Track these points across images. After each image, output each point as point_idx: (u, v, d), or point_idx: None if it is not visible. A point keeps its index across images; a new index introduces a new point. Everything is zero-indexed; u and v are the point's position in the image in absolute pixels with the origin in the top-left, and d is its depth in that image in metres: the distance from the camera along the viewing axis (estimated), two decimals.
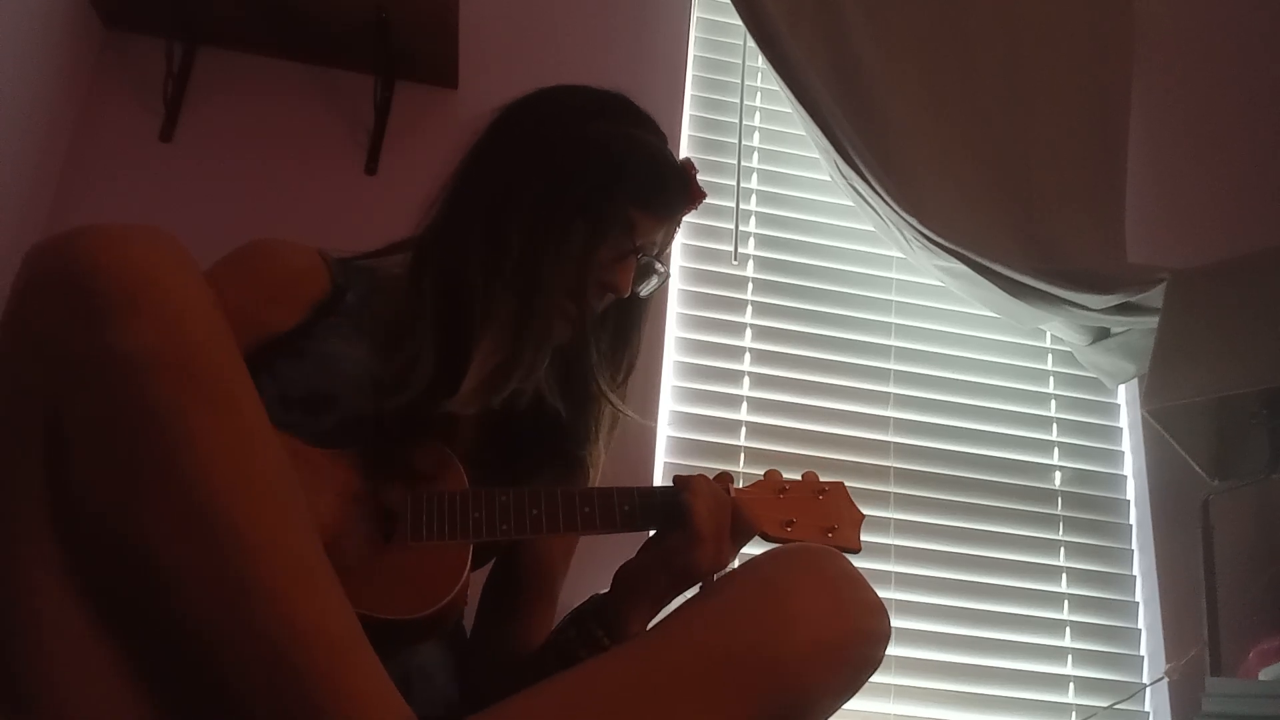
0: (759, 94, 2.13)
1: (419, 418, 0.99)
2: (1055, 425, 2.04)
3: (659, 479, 1.79)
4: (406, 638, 0.94)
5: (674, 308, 1.94)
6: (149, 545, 0.66)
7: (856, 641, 0.80)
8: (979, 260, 1.86)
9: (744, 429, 1.89)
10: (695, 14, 2.16)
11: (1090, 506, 1.98)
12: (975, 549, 1.89)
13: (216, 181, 1.80)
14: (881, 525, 1.87)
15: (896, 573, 1.84)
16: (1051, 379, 2.08)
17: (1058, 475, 2.00)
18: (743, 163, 2.04)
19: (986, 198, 1.95)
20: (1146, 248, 2.00)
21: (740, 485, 1.11)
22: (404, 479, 0.97)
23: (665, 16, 2.10)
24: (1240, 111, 2.25)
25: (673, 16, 2.11)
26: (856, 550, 1.10)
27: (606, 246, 1.08)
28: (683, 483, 1.02)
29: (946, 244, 1.85)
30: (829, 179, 2.06)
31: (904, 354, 2.01)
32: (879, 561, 1.84)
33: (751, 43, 1.96)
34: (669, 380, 1.89)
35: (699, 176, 1.18)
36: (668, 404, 1.87)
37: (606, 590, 1.06)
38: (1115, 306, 1.83)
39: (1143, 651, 1.89)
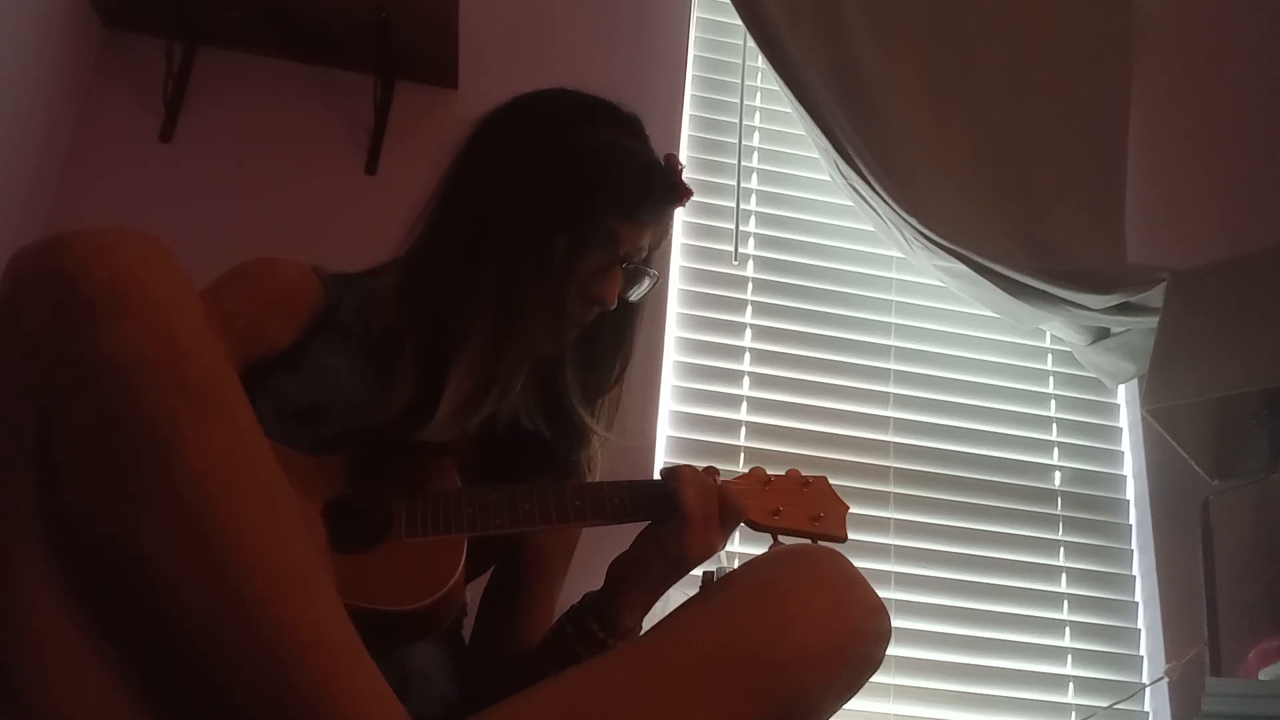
0: (759, 94, 2.13)
1: (400, 440, 0.99)
2: (1055, 425, 2.04)
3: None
4: (402, 632, 0.94)
5: (674, 308, 1.94)
6: (141, 550, 0.65)
7: (857, 642, 0.80)
8: (979, 260, 1.86)
9: (744, 429, 1.89)
10: (695, 14, 2.16)
11: (1090, 506, 1.98)
12: (975, 549, 1.89)
13: (216, 181, 1.80)
14: (881, 525, 1.87)
15: (896, 573, 1.84)
16: (1051, 379, 2.08)
17: (1058, 475, 2.00)
18: (743, 163, 2.04)
19: (986, 197, 1.95)
20: (1146, 248, 2.00)
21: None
22: (396, 481, 0.98)
23: (665, 16, 2.10)
24: (1240, 111, 2.25)
25: (673, 16, 2.11)
26: (843, 538, 1.12)
27: (589, 260, 1.07)
28: (670, 473, 1.03)
29: (946, 244, 1.85)
30: (829, 179, 2.06)
31: (904, 354, 2.01)
32: (879, 561, 1.84)
33: (751, 43, 1.96)
34: (669, 380, 1.89)
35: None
36: (668, 404, 1.87)
37: (601, 587, 1.07)
38: (1115, 306, 1.83)
39: (1142, 651, 1.89)
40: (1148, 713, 1.85)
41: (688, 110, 2.07)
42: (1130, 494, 2.01)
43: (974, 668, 1.81)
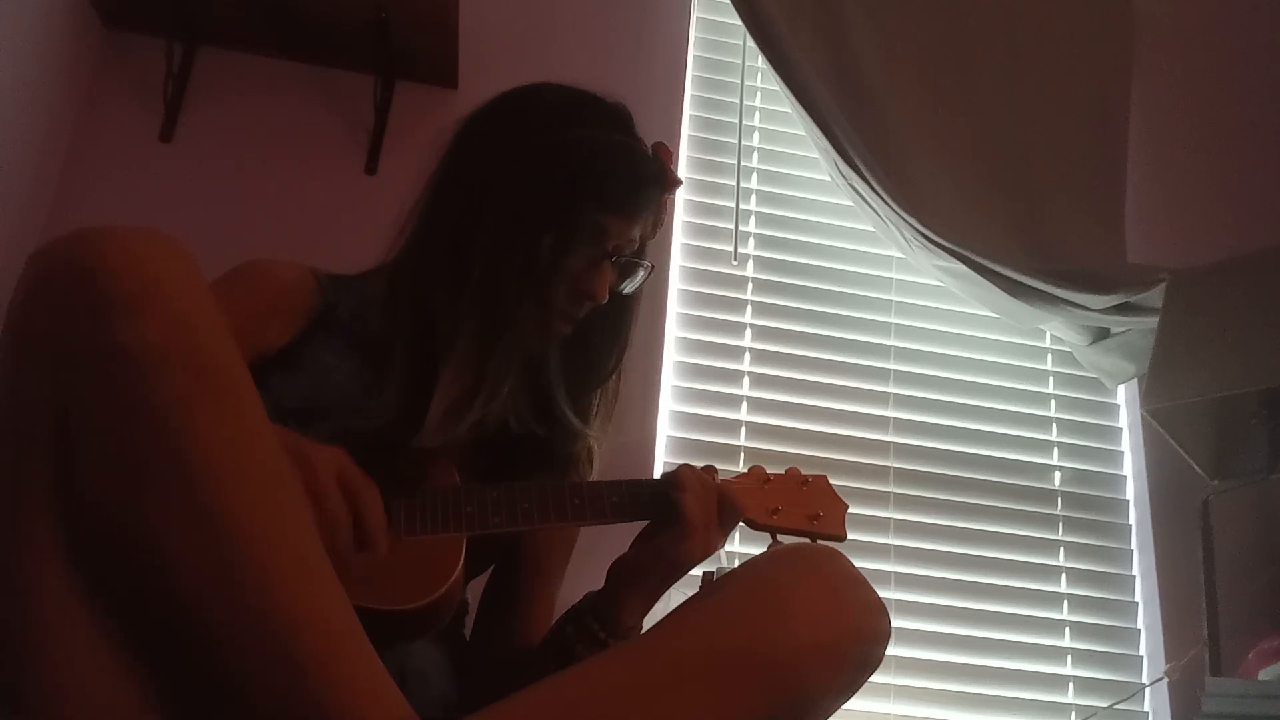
0: (759, 94, 2.13)
1: (393, 446, 0.99)
2: (1055, 425, 2.04)
3: None
4: (401, 631, 0.94)
5: (674, 308, 1.94)
6: (151, 538, 0.66)
7: (857, 641, 0.80)
8: (979, 260, 1.86)
9: (744, 429, 1.89)
10: (695, 14, 2.16)
11: (1090, 506, 1.98)
12: (975, 549, 1.89)
13: (216, 181, 1.80)
14: (881, 525, 1.87)
15: (896, 573, 1.84)
16: (1051, 379, 2.08)
17: (1057, 475, 2.00)
18: (743, 163, 2.04)
19: (986, 197, 1.95)
20: (1146, 248, 2.00)
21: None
22: (396, 479, 0.98)
23: (665, 16, 2.10)
24: (1240, 111, 2.25)
25: (673, 16, 2.11)
26: (843, 536, 1.12)
27: (577, 256, 1.07)
28: (670, 478, 1.04)
29: (946, 244, 1.85)
30: (829, 179, 2.06)
31: (904, 354, 2.01)
32: (879, 561, 1.84)
33: (751, 43, 1.96)
34: (669, 380, 1.89)
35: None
36: (668, 404, 1.87)
37: (601, 587, 1.07)
38: (1115, 306, 1.83)
39: (1142, 651, 1.89)
40: (1148, 713, 1.85)
41: (688, 110, 2.07)
42: (1130, 494, 2.01)
43: (974, 668, 1.81)
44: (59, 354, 0.68)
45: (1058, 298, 1.86)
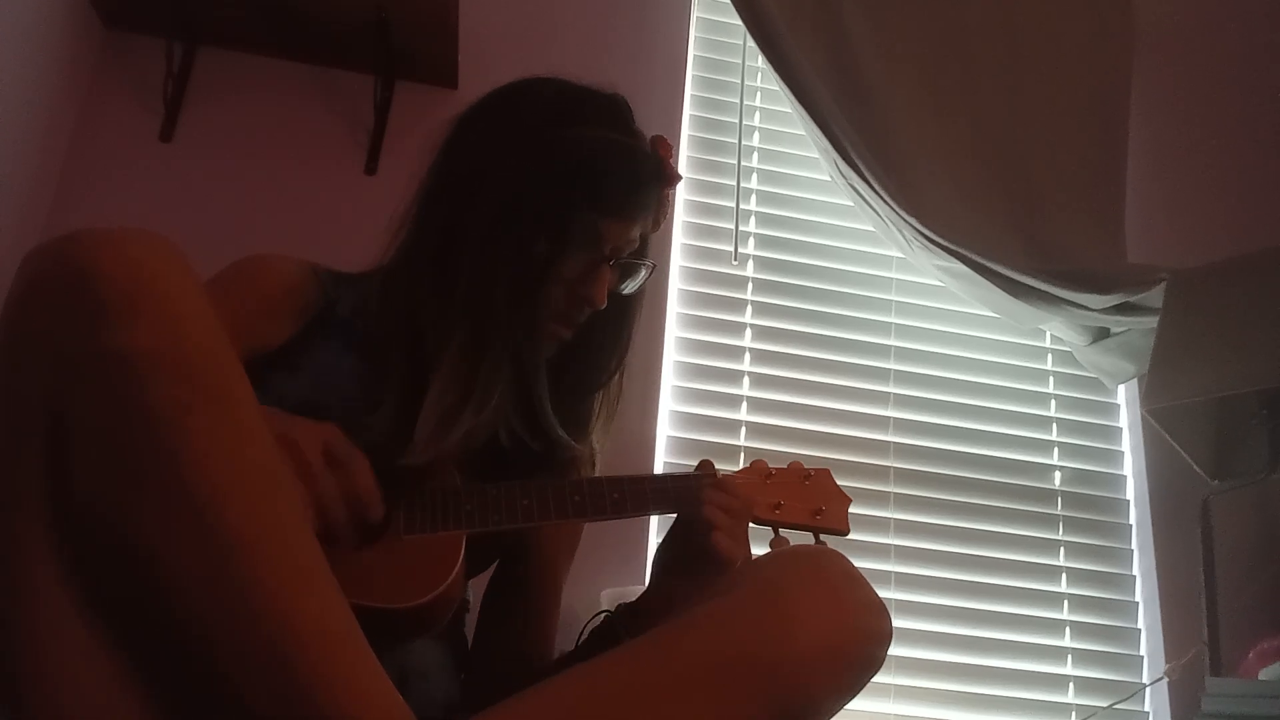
0: (759, 94, 2.13)
1: (388, 460, 0.98)
2: (1055, 425, 2.04)
3: None
4: (401, 630, 0.94)
5: (674, 308, 1.94)
6: (146, 543, 0.66)
7: (859, 642, 0.79)
8: (979, 260, 1.86)
9: (744, 429, 1.89)
10: (695, 14, 2.16)
11: (1090, 506, 1.98)
12: (975, 549, 1.89)
13: (216, 181, 1.80)
14: (881, 525, 1.87)
15: (896, 573, 1.84)
16: (1051, 379, 2.08)
17: (1058, 475, 2.00)
18: (743, 163, 2.04)
19: (986, 197, 1.95)
20: (1146, 248, 2.00)
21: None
22: (395, 477, 0.97)
23: (665, 16, 2.10)
24: (1240, 111, 2.25)
25: (673, 16, 2.11)
26: (846, 531, 1.11)
27: (573, 260, 1.05)
28: (706, 525, 1.00)
29: (946, 244, 1.85)
30: (829, 179, 2.06)
31: (904, 354, 2.01)
32: (879, 561, 1.84)
33: (751, 43, 1.96)
34: (669, 380, 1.89)
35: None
36: (668, 404, 1.87)
37: (619, 598, 1.07)
38: (1115, 306, 1.83)
39: (1142, 651, 1.89)
40: (1148, 713, 1.85)
41: (688, 110, 2.07)
42: (1130, 494, 2.01)
43: (974, 668, 1.81)
44: (52, 357, 0.67)
45: (1058, 298, 1.86)
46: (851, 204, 2.03)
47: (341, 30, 1.80)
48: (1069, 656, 1.86)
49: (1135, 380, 1.98)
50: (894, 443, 1.94)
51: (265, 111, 1.86)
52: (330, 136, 1.87)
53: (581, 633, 1.10)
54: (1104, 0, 2.15)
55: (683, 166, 2.01)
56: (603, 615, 1.09)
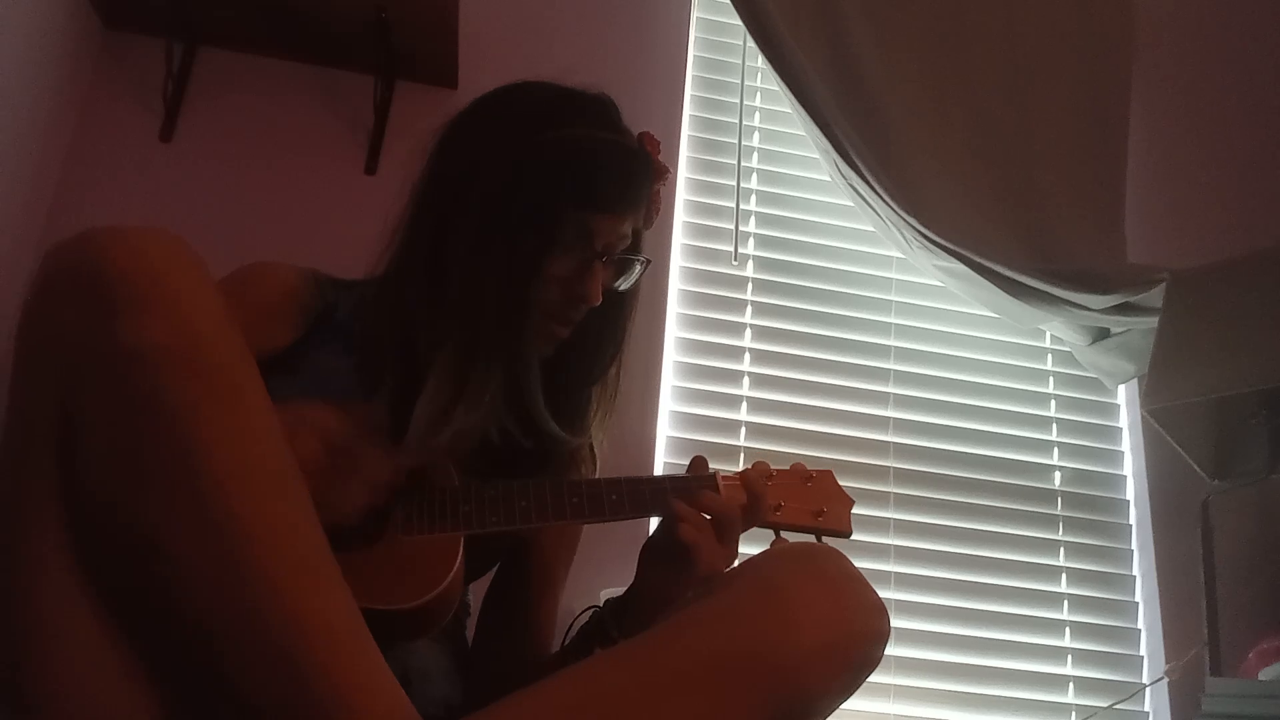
0: (759, 94, 2.13)
1: None
2: (1055, 425, 2.04)
3: None
4: (399, 630, 0.94)
5: (674, 308, 1.94)
6: (155, 537, 0.66)
7: (857, 642, 0.79)
8: (979, 260, 1.86)
9: (744, 429, 1.89)
10: (695, 14, 2.16)
11: (1090, 506, 1.98)
12: (975, 549, 1.89)
13: (216, 181, 1.80)
14: (881, 525, 1.87)
15: (896, 573, 1.84)
16: (1051, 379, 2.08)
17: (1058, 475, 2.00)
18: (743, 163, 2.04)
19: (987, 197, 1.95)
20: (1146, 248, 2.00)
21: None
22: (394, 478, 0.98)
23: (665, 16, 2.10)
24: (1241, 111, 2.25)
25: (673, 16, 2.11)
26: (848, 533, 1.11)
27: (564, 259, 1.05)
28: (685, 545, 1.00)
29: (946, 244, 1.85)
30: (829, 179, 2.06)
31: (904, 354, 2.01)
32: (879, 561, 1.84)
33: (751, 43, 1.96)
34: (669, 380, 1.89)
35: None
36: (668, 404, 1.87)
37: (611, 596, 1.07)
38: (1115, 306, 1.83)
39: (1142, 651, 1.89)
40: (1148, 713, 1.85)
41: (688, 110, 2.07)
42: (1130, 494, 2.01)
43: (974, 668, 1.81)
44: (66, 353, 0.68)
45: (1058, 298, 1.86)
46: (851, 204, 2.03)
47: (341, 30, 1.80)
48: (1069, 656, 1.86)
49: (1135, 380, 1.98)
50: (894, 443, 1.94)
51: (265, 111, 1.86)
52: (330, 136, 1.87)
53: (570, 629, 1.10)
54: (1104, 0, 2.15)
55: (683, 166, 2.01)
56: (591, 611, 1.09)
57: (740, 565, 0.85)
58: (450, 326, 1.02)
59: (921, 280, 2.05)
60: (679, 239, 1.98)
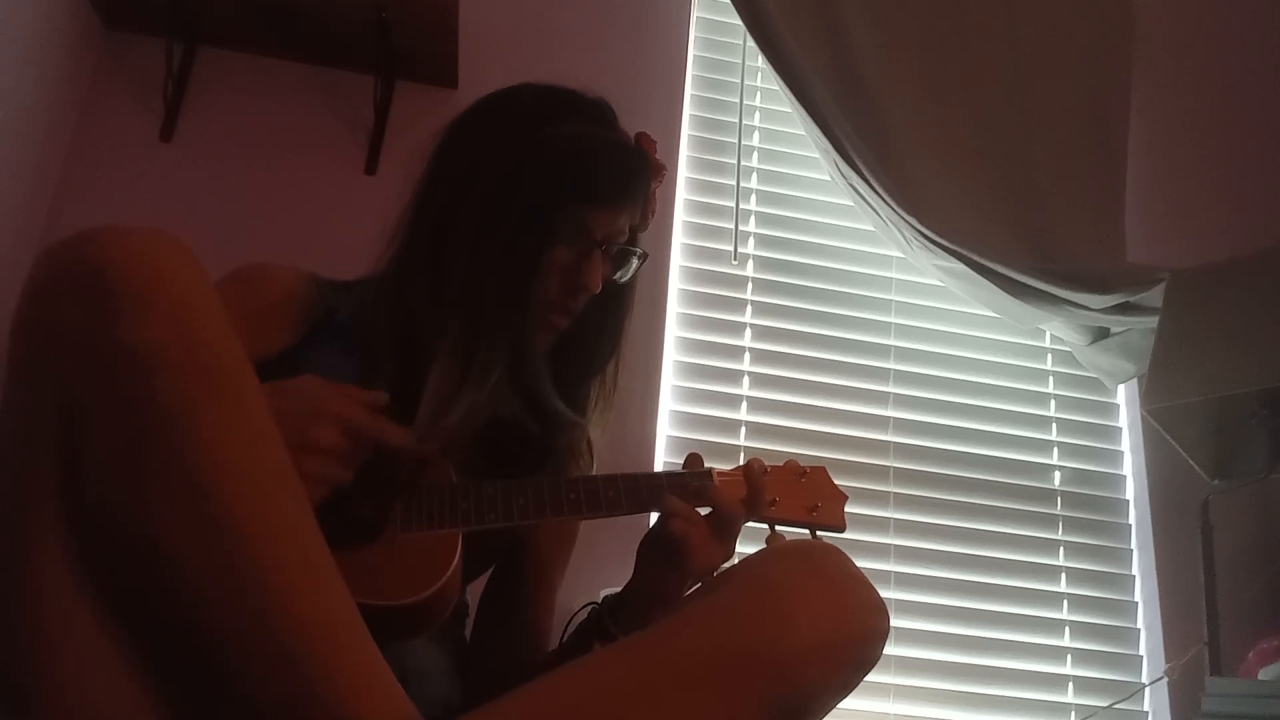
0: (759, 94, 2.13)
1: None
2: (1055, 425, 2.04)
3: None
4: (397, 627, 0.94)
5: (674, 308, 1.94)
6: (155, 537, 0.66)
7: (856, 641, 0.79)
8: (979, 260, 1.86)
9: (744, 429, 1.89)
10: (695, 14, 2.16)
11: (1090, 506, 1.98)
12: (975, 549, 1.89)
13: (216, 181, 1.80)
14: (881, 525, 1.87)
15: (896, 572, 1.84)
16: (1051, 379, 2.08)
17: (1057, 475, 2.00)
18: (743, 163, 2.04)
19: (987, 197, 1.95)
20: (1146, 247, 2.00)
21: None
22: (392, 478, 0.98)
23: (665, 16, 2.10)
24: (1241, 111, 2.25)
25: (673, 16, 2.11)
26: (842, 528, 1.11)
27: (562, 250, 1.07)
28: (675, 544, 1.02)
29: (946, 244, 1.85)
30: (829, 179, 2.06)
31: (904, 354, 2.01)
32: (879, 561, 1.84)
33: (751, 43, 1.96)
34: (669, 380, 1.89)
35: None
36: (668, 404, 1.87)
37: (609, 593, 1.07)
38: (1115, 306, 1.83)
39: (1142, 651, 1.89)
40: (1148, 713, 1.85)
41: (688, 110, 2.07)
42: (1130, 494, 2.01)
43: (974, 667, 1.81)
44: (65, 353, 0.68)
45: (1058, 298, 1.86)
46: (851, 204, 2.03)
47: (341, 30, 1.80)
48: (1069, 656, 1.86)
49: (1135, 380, 1.98)
50: (894, 443, 1.94)
51: (265, 111, 1.86)
52: (330, 136, 1.87)
53: (567, 626, 1.11)
54: (1104, 0, 2.15)
55: (683, 166, 2.01)
56: (589, 608, 1.09)
57: (739, 563, 0.85)
58: (453, 321, 1.03)
59: (921, 280, 2.05)
60: (679, 238, 1.98)
